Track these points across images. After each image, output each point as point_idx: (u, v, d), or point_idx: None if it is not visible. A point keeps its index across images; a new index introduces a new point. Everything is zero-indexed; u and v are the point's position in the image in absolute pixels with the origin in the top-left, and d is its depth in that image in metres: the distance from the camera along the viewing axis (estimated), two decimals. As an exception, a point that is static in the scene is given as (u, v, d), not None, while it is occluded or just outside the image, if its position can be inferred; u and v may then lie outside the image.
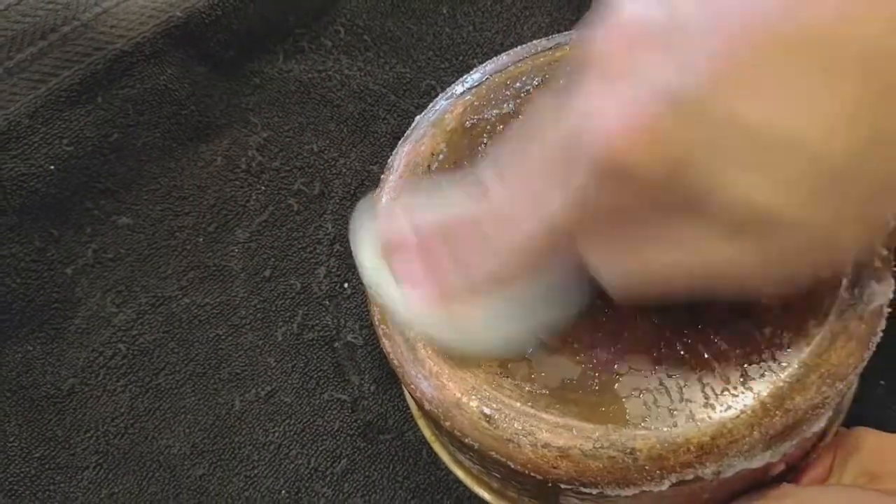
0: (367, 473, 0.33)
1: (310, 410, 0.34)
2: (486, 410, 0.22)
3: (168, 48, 0.36)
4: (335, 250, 0.36)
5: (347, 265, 0.36)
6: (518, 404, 0.22)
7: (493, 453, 0.23)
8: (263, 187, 0.37)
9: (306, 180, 0.37)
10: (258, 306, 0.35)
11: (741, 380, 0.22)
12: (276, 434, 0.34)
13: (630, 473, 0.21)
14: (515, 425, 0.22)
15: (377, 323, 0.25)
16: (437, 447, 0.30)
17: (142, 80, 0.36)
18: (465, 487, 0.29)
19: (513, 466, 0.22)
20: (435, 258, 0.22)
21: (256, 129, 0.38)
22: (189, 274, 0.36)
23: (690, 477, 0.21)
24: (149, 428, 0.34)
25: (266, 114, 0.38)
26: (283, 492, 0.33)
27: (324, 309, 0.35)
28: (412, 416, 0.32)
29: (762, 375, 0.22)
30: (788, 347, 0.22)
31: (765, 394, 0.21)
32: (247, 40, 0.38)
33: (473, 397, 0.23)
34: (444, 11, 0.40)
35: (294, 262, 0.36)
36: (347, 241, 0.37)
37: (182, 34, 0.36)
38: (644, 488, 0.22)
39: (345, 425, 0.34)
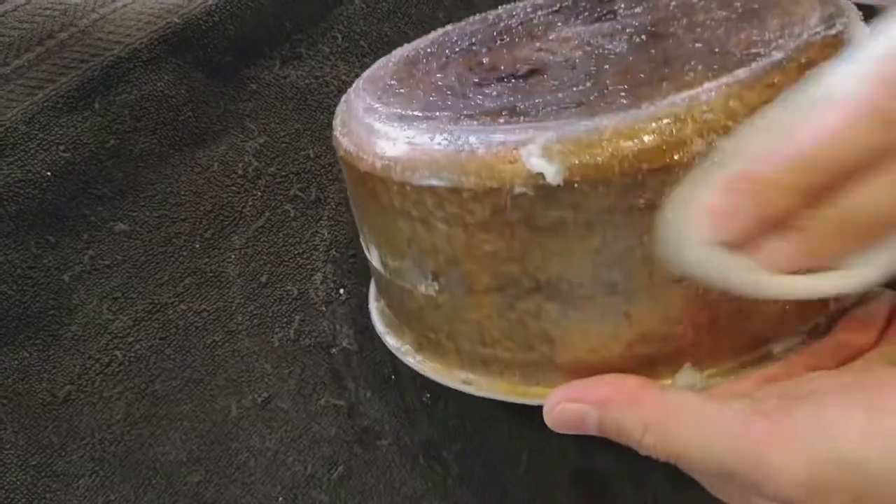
0: (363, 479, 0.33)
1: (306, 416, 0.34)
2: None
3: (165, 54, 0.36)
4: (331, 256, 0.36)
5: (343, 271, 0.36)
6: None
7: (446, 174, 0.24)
8: (260, 193, 0.37)
9: (303, 186, 0.37)
10: (254, 312, 0.35)
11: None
12: (273, 440, 0.33)
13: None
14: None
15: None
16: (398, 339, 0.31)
17: (139, 86, 0.36)
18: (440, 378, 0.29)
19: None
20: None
21: (253, 134, 0.38)
22: (185, 280, 0.36)
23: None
24: (145, 435, 0.34)
25: (263, 119, 0.38)
26: (280, 499, 0.33)
27: (320, 315, 0.35)
28: (409, 422, 0.32)
29: None
30: None
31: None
32: (244, 46, 0.38)
33: None
34: (441, 17, 0.40)
35: (290, 267, 0.36)
36: (343, 247, 0.37)
37: (179, 40, 0.36)
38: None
39: (341, 431, 0.34)
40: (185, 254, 0.36)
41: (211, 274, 0.36)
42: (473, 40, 0.33)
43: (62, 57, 0.35)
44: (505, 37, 0.32)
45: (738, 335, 0.26)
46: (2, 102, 0.35)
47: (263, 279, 0.36)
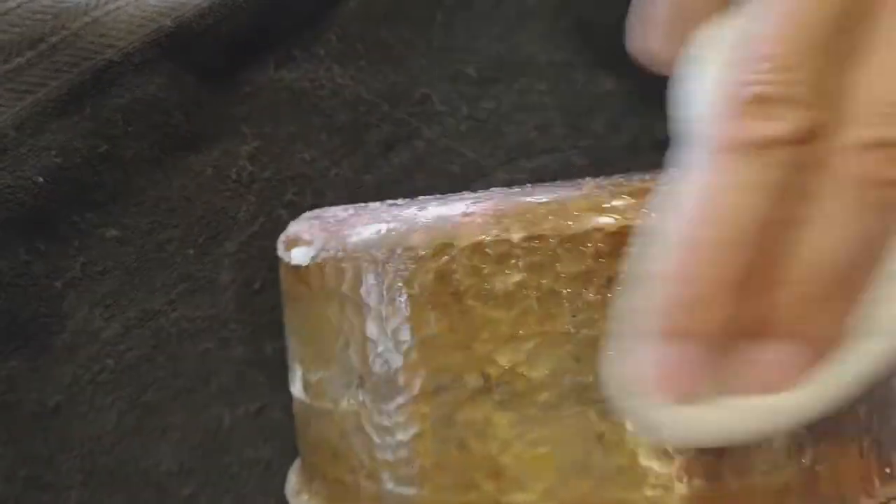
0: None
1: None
2: None
3: (157, 57, 0.36)
4: (326, 262, 0.36)
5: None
6: None
7: None
8: (254, 198, 0.37)
9: (297, 190, 0.37)
10: (248, 320, 0.35)
11: None
12: (266, 451, 0.33)
13: None
14: None
15: None
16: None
17: (131, 90, 0.36)
18: None
19: None
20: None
21: (247, 138, 0.37)
22: (178, 287, 0.35)
23: None
24: (136, 445, 0.33)
25: (256, 123, 0.37)
26: (274, 510, 0.32)
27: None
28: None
29: None
30: None
31: None
32: (237, 49, 0.37)
33: None
34: (439, 18, 0.39)
35: (284, 274, 0.36)
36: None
37: (171, 43, 0.36)
38: None
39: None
40: (177, 260, 0.36)
41: (204, 280, 0.35)
42: None
43: (53, 61, 0.35)
44: None
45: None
46: (-8, 107, 0.34)
47: (257, 286, 0.35)
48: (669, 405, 0.18)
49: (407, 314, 0.21)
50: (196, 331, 0.35)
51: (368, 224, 0.23)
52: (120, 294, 0.35)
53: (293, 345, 0.28)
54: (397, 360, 0.22)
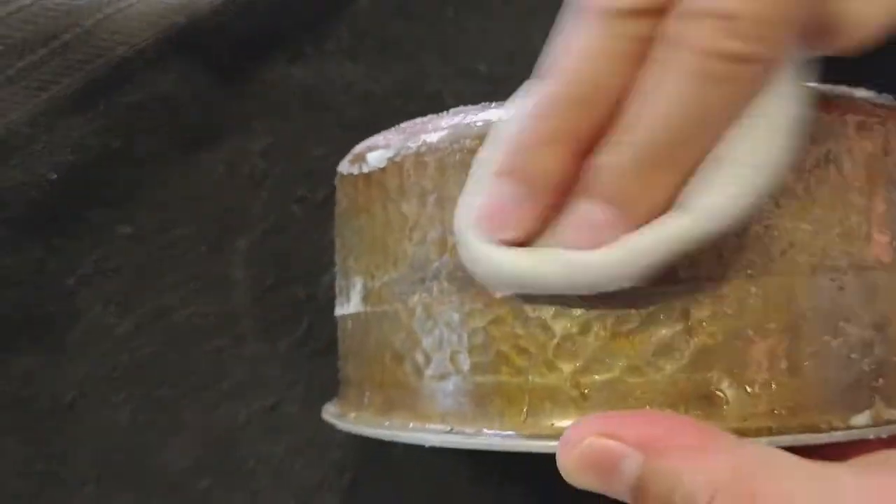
0: (374, 486, 0.32)
1: (314, 422, 0.33)
2: None
3: (170, 54, 0.36)
4: (339, 258, 0.36)
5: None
6: None
7: None
8: (266, 194, 0.37)
9: (310, 187, 0.37)
10: (261, 316, 0.35)
11: None
12: (281, 447, 0.33)
13: None
14: None
15: None
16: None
17: (143, 86, 0.36)
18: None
19: None
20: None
21: (259, 135, 0.37)
22: (191, 284, 0.35)
23: None
24: (150, 441, 0.33)
25: (268, 120, 0.37)
26: (289, 506, 0.32)
27: (328, 318, 0.35)
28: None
29: None
30: None
31: None
32: (249, 45, 0.37)
33: None
34: (450, 14, 0.39)
35: (297, 270, 0.36)
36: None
37: (184, 40, 0.36)
38: None
39: (350, 437, 0.33)
40: (190, 257, 0.36)
41: (216, 277, 0.35)
42: None
43: (66, 58, 0.35)
44: None
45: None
46: (5, 105, 0.34)
47: (270, 282, 0.35)
48: (493, 242, 0.20)
49: None
50: (209, 327, 0.35)
51: (446, 124, 0.24)
52: (133, 291, 0.35)
53: (351, 262, 0.28)
54: None
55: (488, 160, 0.21)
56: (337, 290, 0.29)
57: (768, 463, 0.18)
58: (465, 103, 0.38)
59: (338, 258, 0.30)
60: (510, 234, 0.20)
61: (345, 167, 0.28)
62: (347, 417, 0.27)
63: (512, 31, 0.39)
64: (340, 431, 0.33)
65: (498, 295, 0.22)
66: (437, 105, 0.28)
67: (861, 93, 0.24)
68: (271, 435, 0.33)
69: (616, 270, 0.19)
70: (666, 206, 0.19)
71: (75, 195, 0.35)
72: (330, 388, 0.34)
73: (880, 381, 0.22)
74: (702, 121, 0.18)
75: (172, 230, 0.36)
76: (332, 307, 0.35)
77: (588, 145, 0.19)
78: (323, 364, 0.34)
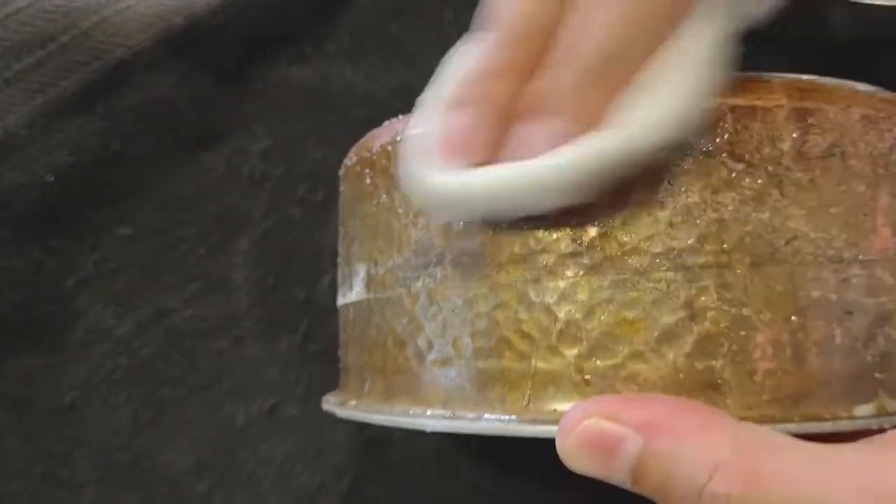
0: (373, 489, 0.32)
1: (314, 424, 0.33)
2: None
3: (168, 56, 0.36)
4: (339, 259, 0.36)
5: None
6: None
7: None
8: (266, 196, 0.36)
9: (310, 188, 0.37)
10: (261, 317, 0.35)
11: None
12: (281, 449, 0.33)
13: None
14: None
15: None
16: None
17: (142, 88, 0.36)
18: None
19: None
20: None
21: (259, 136, 0.37)
22: (191, 285, 0.35)
23: None
24: (151, 443, 0.33)
25: (268, 121, 0.37)
26: (289, 508, 0.32)
27: (328, 319, 0.35)
28: (417, 431, 0.31)
29: None
30: None
31: None
32: (248, 46, 0.37)
33: None
34: (449, 16, 0.39)
35: (297, 271, 0.36)
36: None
37: (182, 41, 0.36)
38: None
39: (350, 439, 0.33)
40: (190, 258, 0.36)
41: (217, 278, 0.35)
42: None
43: (64, 60, 0.35)
44: None
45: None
46: (3, 107, 0.34)
47: (270, 283, 0.35)
48: (444, 169, 0.21)
49: None
50: (209, 329, 0.35)
51: None
52: (133, 292, 0.35)
53: (355, 249, 0.28)
54: (485, 230, 0.22)
55: (431, 98, 0.22)
56: (339, 280, 0.29)
57: (768, 441, 0.18)
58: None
59: (341, 247, 0.30)
60: (466, 161, 0.21)
61: (350, 159, 0.29)
62: (348, 405, 0.26)
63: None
64: (341, 433, 0.33)
65: (455, 229, 0.22)
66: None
67: (866, 87, 0.24)
68: (271, 436, 0.33)
69: (558, 177, 0.20)
70: (601, 122, 0.20)
71: (75, 196, 0.35)
72: (330, 388, 0.34)
73: (884, 372, 0.22)
74: (630, 37, 0.20)
75: (172, 231, 0.36)
76: (332, 308, 0.35)
77: (529, 75, 0.20)
78: (323, 365, 0.34)
